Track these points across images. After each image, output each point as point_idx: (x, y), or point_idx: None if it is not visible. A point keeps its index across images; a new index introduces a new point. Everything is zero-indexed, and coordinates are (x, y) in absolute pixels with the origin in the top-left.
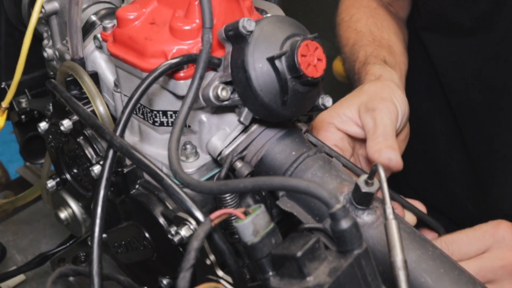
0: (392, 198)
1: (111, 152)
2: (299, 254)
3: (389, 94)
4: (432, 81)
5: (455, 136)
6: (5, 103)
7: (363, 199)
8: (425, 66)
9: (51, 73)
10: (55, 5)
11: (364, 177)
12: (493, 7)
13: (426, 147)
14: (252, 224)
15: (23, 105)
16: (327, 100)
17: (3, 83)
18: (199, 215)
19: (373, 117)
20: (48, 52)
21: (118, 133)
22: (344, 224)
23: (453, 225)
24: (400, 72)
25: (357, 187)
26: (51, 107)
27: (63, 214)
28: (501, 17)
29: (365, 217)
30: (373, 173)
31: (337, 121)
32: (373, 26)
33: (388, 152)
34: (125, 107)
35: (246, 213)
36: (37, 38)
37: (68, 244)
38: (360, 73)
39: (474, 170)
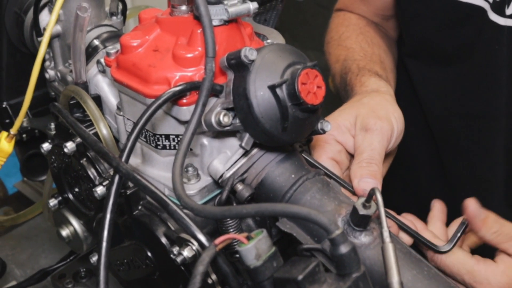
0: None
1: (117, 178)
2: (300, 277)
3: (386, 112)
4: (414, 108)
5: (436, 164)
6: (13, 130)
7: (360, 221)
8: (408, 93)
9: (52, 93)
10: (57, 29)
11: (361, 200)
12: (474, 33)
13: (408, 174)
14: (255, 248)
15: (24, 124)
16: (326, 125)
17: (5, 102)
18: (203, 239)
19: (364, 137)
20: (50, 73)
21: (123, 159)
22: (343, 249)
23: None
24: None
25: (355, 210)
26: (52, 127)
27: (64, 232)
28: (480, 43)
29: (363, 239)
30: (370, 196)
31: (336, 133)
32: (364, 42)
33: (366, 181)
34: (130, 134)
35: (248, 238)
36: None
37: (68, 259)
38: (354, 84)
39: (456, 198)
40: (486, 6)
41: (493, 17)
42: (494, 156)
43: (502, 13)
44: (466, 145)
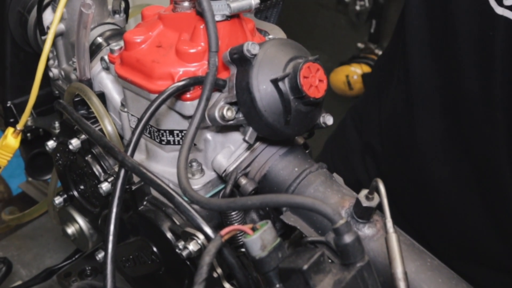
0: None
1: (122, 172)
2: (305, 267)
3: None
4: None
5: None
6: (20, 126)
7: (364, 213)
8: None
9: (56, 92)
10: (61, 27)
11: (364, 192)
12: (472, 18)
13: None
14: (260, 239)
15: (29, 123)
16: (328, 119)
17: (9, 101)
18: (209, 231)
19: None
20: (54, 72)
21: (129, 153)
22: (347, 238)
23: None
24: None
25: (358, 202)
26: (57, 125)
27: (70, 230)
28: (477, 28)
29: (366, 230)
30: (373, 188)
31: None
32: None
33: None
34: (135, 129)
35: (254, 229)
36: None
37: (73, 258)
38: None
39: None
40: None
41: (492, 3)
42: (495, 146)
43: (500, 3)
44: (467, 133)
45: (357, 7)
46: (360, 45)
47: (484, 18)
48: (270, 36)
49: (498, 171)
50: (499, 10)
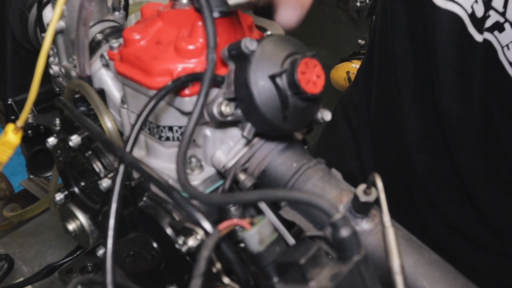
0: None
1: (122, 167)
2: (302, 261)
3: None
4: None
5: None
6: (20, 123)
7: (361, 208)
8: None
9: (57, 89)
10: (61, 24)
11: (362, 187)
12: (451, 40)
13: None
14: (258, 234)
15: (29, 120)
16: (326, 114)
17: (10, 99)
18: (207, 226)
19: None
20: (54, 69)
21: (128, 149)
22: (344, 232)
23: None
24: None
25: (356, 197)
26: (57, 122)
27: (71, 226)
28: (454, 50)
29: (364, 225)
30: (371, 183)
31: None
32: None
33: None
34: (134, 125)
35: (252, 224)
36: None
37: (75, 255)
38: None
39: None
40: (465, 16)
41: (471, 30)
42: (472, 153)
43: (480, 29)
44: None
45: (358, 4)
46: (360, 41)
47: (463, 44)
48: (268, 33)
49: (476, 175)
50: (479, 38)
